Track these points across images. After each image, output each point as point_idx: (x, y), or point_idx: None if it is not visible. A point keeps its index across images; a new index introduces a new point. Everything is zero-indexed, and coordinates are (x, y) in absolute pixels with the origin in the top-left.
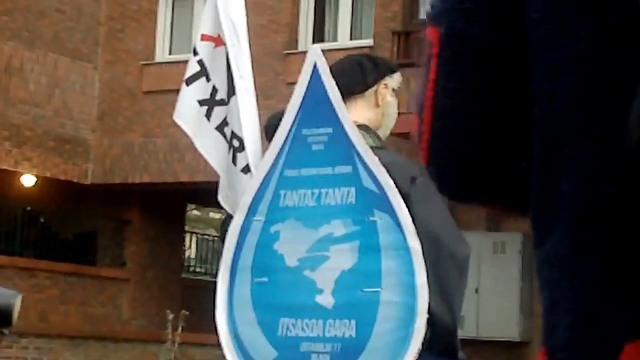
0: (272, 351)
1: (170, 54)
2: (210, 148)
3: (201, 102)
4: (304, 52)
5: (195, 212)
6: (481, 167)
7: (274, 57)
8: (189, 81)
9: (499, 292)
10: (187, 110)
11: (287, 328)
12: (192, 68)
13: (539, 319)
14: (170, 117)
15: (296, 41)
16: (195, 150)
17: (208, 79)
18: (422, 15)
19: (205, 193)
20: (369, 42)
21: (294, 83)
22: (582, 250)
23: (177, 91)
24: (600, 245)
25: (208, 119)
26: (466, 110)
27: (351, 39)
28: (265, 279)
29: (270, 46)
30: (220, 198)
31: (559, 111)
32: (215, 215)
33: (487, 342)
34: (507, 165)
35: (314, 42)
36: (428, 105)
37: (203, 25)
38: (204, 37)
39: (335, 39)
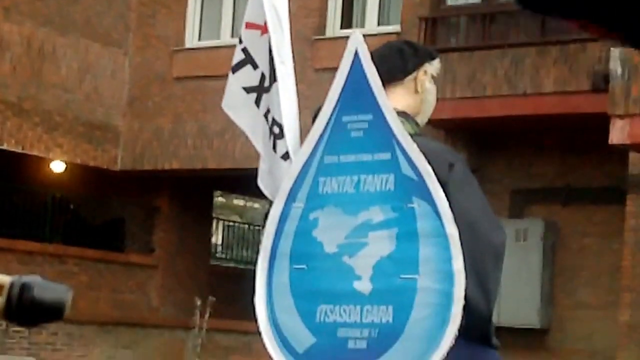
0: (310, 337)
1: (199, 40)
2: (259, 135)
3: (248, 90)
4: (332, 38)
5: (220, 198)
6: None
7: (303, 43)
8: (235, 69)
9: (520, 280)
10: (233, 98)
11: (325, 314)
12: (238, 56)
13: (559, 307)
14: (200, 103)
15: (324, 27)
16: (223, 136)
17: (255, 67)
18: (450, 1)
19: (231, 180)
20: (396, 28)
21: (321, 69)
22: None
23: (206, 77)
24: None
25: (257, 106)
26: None
27: (379, 24)
28: (303, 266)
29: (299, 31)
30: (260, 184)
31: None
32: (239, 202)
33: (507, 329)
34: None
35: (341, 28)
36: None
37: (248, 13)
38: (248, 25)
39: (362, 25)
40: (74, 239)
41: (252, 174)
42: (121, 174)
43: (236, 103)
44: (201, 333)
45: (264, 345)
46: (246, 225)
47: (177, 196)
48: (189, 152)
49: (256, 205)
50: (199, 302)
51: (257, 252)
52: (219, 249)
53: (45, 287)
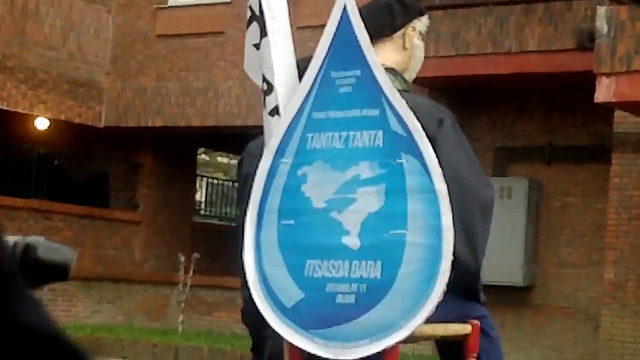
0: (298, 292)
1: None
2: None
3: (257, 46)
4: None
5: (203, 156)
6: None
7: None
8: (247, 26)
9: (503, 238)
10: (248, 56)
11: (314, 269)
12: (248, 13)
13: (543, 265)
14: (183, 61)
15: None
16: (207, 94)
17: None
18: None
19: (214, 137)
20: None
21: (304, 27)
22: None
23: (189, 35)
24: None
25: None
26: None
27: None
28: (292, 221)
29: None
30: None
31: None
32: (223, 159)
33: (491, 287)
34: None
35: None
36: None
37: None
38: None
39: None
40: (58, 195)
41: (235, 131)
42: (105, 131)
43: (251, 61)
44: (185, 289)
45: (250, 300)
46: (230, 183)
47: (161, 153)
48: (173, 109)
49: None
50: (182, 259)
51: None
52: (203, 205)
53: (50, 248)
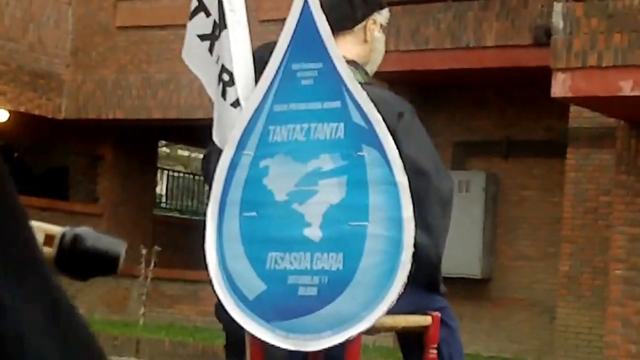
0: (260, 284)
1: None
2: (213, 83)
3: (202, 37)
4: None
5: (164, 149)
6: None
7: None
8: (191, 16)
9: (461, 231)
10: (189, 46)
11: (275, 261)
12: (193, 3)
13: (501, 257)
14: (144, 53)
15: None
16: (168, 86)
17: (207, 14)
18: None
19: (175, 130)
20: None
21: (266, 20)
22: None
23: (150, 27)
24: None
25: (211, 54)
26: None
27: None
28: (254, 213)
29: None
30: (214, 133)
31: None
32: (184, 152)
33: (449, 279)
34: None
35: None
36: None
37: None
38: None
39: None
40: (18, 187)
41: (197, 124)
42: (65, 123)
43: (192, 51)
44: (146, 282)
45: (213, 293)
46: (191, 176)
47: (121, 146)
48: (133, 102)
49: (201, 156)
50: (144, 251)
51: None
52: (164, 198)
53: (99, 239)
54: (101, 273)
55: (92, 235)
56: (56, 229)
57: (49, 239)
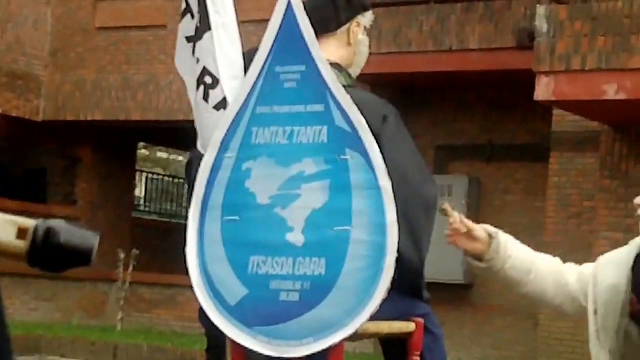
0: (242, 289)
1: None
2: (192, 85)
3: (188, 39)
4: None
5: (144, 151)
6: None
7: None
8: (181, 19)
9: (444, 235)
10: (179, 49)
11: (257, 266)
12: (183, 5)
13: None
14: (123, 54)
15: None
16: (147, 88)
17: (192, 16)
18: None
19: (155, 132)
20: None
21: (246, 21)
22: None
23: (130, 28)
24: None
25: (194, 56)
26: None
27: None
28: (236, 217)
29: None
30: (198, 139)
31: None
32: (163, 154)
33: (432, 284)
34: None
35: None
36: None
37: None
38: None
39: None
40: None
41: (177, 126)
42: (43, 124)
43: (181, 55)
44: (124, 286)
45: (194, 298)
46: (170, 178)
47: (100, 148)
48: (112, 103)
49: (180, 158)
50: (122, 255)
51: (181, 205)
52: (142, 201)
53: (72, 232)
54: (74, 265)
55: (65, 228)
56: (29, 222)
57: (22, 232)
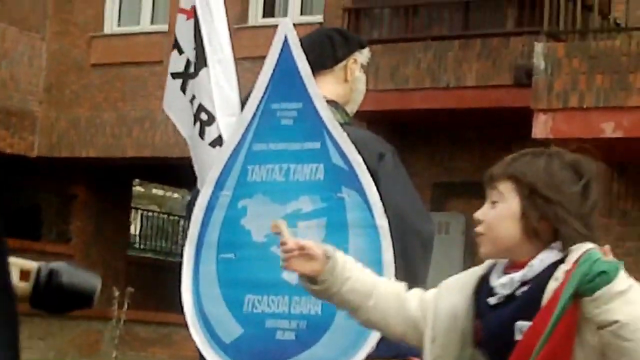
0: (237, 328)
1: (118, 25)
2: (185, 122)
3: (174, 75)
4: (254, 27)
5: (138, 188)
6: None
7: None
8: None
9: (441, 273)
10: (167, 85)
11: (253, 305)
12: (173, 42)
13: None
14: (118, 91)
15: (246, 15)
16: (143, 124)
17: (180, 52)
18: None
19: (150, 169)
20: (319, 18)
21: (243, 58)
22: None
23: (125, 64)
24: None
25: (183, 93)
26: None
27: (302, 14)
28: (231, 255)
29: None
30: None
31: None
32: (158, 191)
33: None
34: None
35: (263, 16)
36: None
37: None
38: (179, 11)
39: (285, 14)
40: None
41: (172, 163)
42: (38, 161)
43: (167, 90)
44: (119, 324)
45: (189, 336)
46: (165, 215)
47: (94, 184)
48: (107, 140)
49: (175, 195)
50: (117, 293)
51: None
52: (137, 239)
53: (74, 274)
54: (77, 307)
55: (68, 270)
56: (32, 265)
57: (24, 274)
